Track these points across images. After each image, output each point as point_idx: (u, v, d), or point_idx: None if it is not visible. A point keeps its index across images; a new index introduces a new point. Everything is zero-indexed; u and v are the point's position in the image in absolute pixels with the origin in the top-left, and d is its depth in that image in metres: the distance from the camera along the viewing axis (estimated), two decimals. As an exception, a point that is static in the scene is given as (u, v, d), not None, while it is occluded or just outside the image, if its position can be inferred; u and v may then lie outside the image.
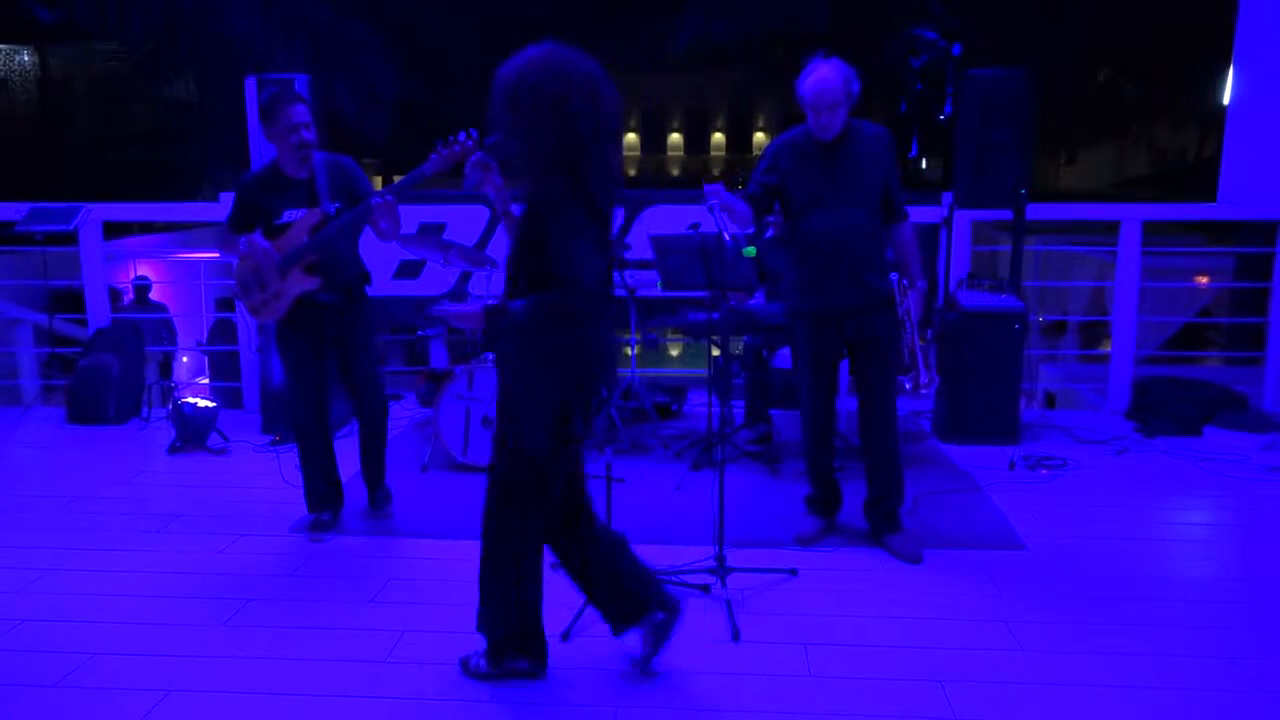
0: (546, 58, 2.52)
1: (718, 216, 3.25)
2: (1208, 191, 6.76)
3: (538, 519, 2.77)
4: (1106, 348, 6.13)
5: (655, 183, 33.81)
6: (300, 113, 3.69)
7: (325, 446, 4.04)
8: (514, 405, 2.70)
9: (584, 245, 2.58)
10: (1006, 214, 5.39)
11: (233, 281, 3.90)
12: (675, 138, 36.52)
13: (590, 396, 2.74)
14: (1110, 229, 5.96)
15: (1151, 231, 5.91)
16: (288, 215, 3.77)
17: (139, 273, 9.19)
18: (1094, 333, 11.73)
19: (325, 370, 3.99)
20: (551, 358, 2.65)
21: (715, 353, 3.86)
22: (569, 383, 2.67)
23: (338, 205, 3.77)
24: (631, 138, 36.58)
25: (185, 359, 9.37)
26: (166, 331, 8.72)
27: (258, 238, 3.76)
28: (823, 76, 3.48)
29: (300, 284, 3.75)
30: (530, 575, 2.80)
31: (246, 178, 3.93)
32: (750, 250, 3.34)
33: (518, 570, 2.79)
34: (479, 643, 2.89)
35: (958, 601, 3.37)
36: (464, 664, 2.93)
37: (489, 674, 2.88)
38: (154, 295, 9.44)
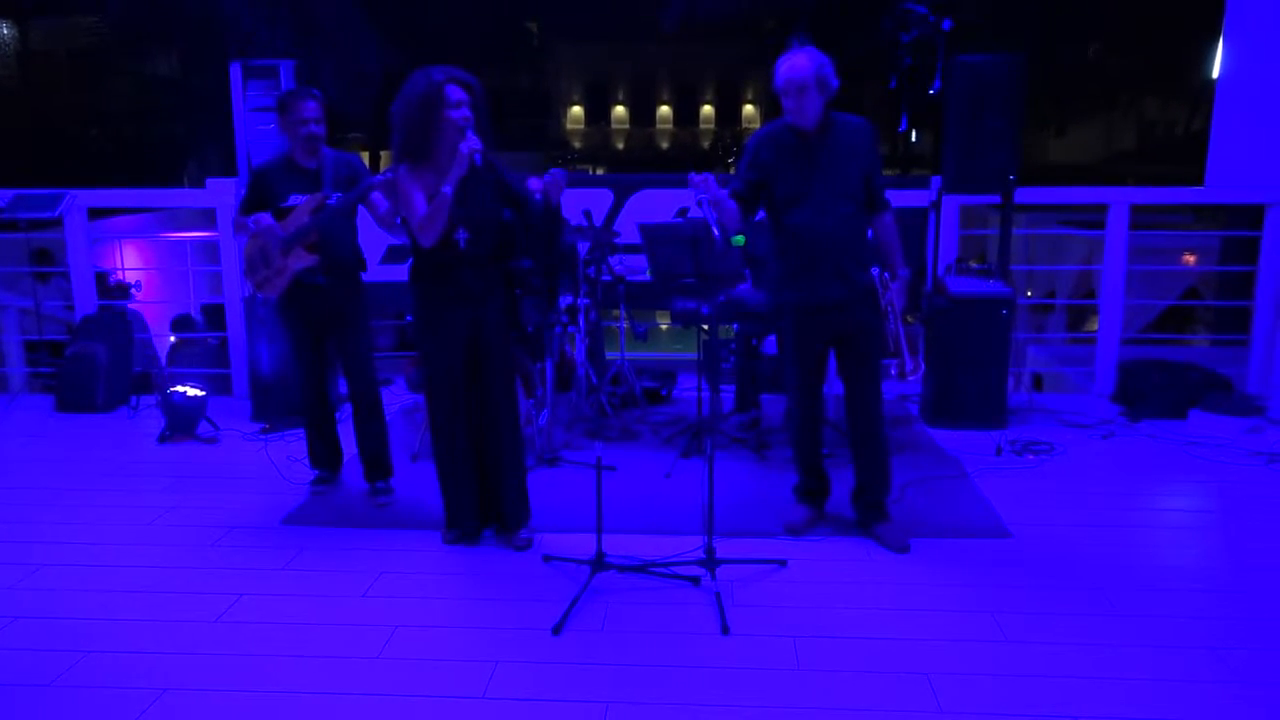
0: None
1: (706, 209, 3.26)
2: (1195, 165, 6.78)
3: None
4: (1094, 327, 6.16)
5: (643, 159, 33.59)
6: (311, 108, 4.05)
7: (326, 416, 4.39)
8: (511, 332, 3.71)
9: None
10: (995, 198, 5.39)
11: (216, 266, 4.03)
12: (664, 111, 36.30)
13: None
14: (1099, 209, 5.97)
15: (1138, 210, 5.93)
16: (292, 199, 4.06)
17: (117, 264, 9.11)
18: (1081, 312, 11.77)
19: (324, 349, 4.29)
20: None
21: (705, 332, 3.91)
22: None
23: (339, 196, 4.01)
24: (620, 111, 36.35)
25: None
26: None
27: (265, 217, 4.02)
28: (792, 64, 3.49)
29: (300, 260, 4.02)
30: None
31: (260, 164, 4.25)
32: (739, 239, 3.33)
33: None
34: (508, 541, 3.76)
35: (944, 592, 3.41)
36: (525, 545, 3.74)
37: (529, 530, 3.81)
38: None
